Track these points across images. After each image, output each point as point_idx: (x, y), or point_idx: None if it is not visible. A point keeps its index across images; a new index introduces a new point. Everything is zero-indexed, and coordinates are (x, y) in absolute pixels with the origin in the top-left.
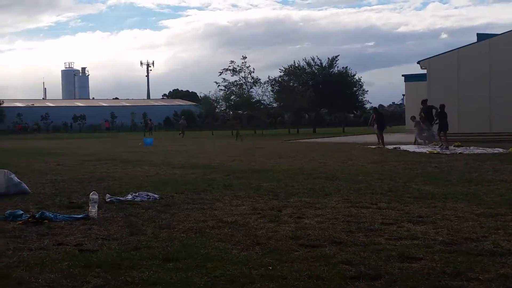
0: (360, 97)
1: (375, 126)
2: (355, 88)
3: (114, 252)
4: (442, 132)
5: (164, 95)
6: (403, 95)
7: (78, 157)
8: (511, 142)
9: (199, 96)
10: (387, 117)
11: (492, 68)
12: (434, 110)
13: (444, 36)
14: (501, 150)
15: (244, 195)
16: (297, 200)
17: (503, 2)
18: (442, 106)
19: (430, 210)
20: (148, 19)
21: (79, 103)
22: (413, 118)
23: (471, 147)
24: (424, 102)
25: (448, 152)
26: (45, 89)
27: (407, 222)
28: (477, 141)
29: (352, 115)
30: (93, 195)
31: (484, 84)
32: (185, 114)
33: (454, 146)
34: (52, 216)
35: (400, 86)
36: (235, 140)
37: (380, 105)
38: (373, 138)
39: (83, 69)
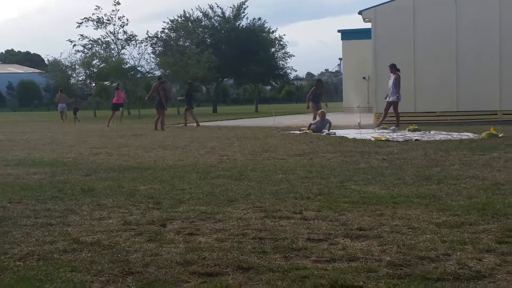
0: (281, 63)
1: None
2: (273, 50)
3: None
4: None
5: None
6: (339, 59)
7: None
8: (485, 124)
9: (45, 60)
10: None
11: (460, 23)
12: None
13: None
14: (471, 135)
15: (112, 203)
16: (189, 210)
17: None
18: (190, 84)
19: (375, 220)
20: None
21: None
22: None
23: (432, 132)
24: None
25: None
26: None
27: (343, 237)
28: (439, 124)
29: (269, 87)
30: None
31: (449, 45)
32: (25, 86)
33: (409, 131)
34: None
35: (335, 46)
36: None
37: (309, 74)
38: (298, 119)
39: None
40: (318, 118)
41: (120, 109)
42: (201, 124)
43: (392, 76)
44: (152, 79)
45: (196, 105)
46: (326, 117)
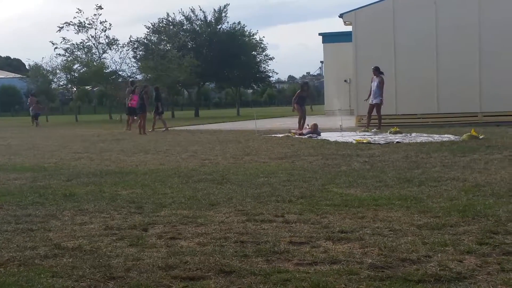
0: (262, 66)
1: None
2: (254, 53)
3: None
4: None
5: None
6: (321, 62)
7: None
8: (465, 126)
9: (26, 65)
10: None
11: (440, 25)
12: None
13: None
14: (452, 137)
15: (93, 208)
16: (171, 214)
17: None
18: (157, 88)
19: (356, 222)
20: None
21: None
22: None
23: (413, 134)
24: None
25: None
26: None
27: (325, 240)
28: (420, 126)
29: (251, 91)
30: None
31: (430, 47)
32: (6, 91)
33: (390, 133)
34: None
35: (316, 49)
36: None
37: (291, 77)
38: (280, 122)
39: None
40: (309, 129)
41: (134, 115)
42: (172, 128)
43: (376, 79)
44: (133, 83)
45: (179, 109)
46: (317, 129)
